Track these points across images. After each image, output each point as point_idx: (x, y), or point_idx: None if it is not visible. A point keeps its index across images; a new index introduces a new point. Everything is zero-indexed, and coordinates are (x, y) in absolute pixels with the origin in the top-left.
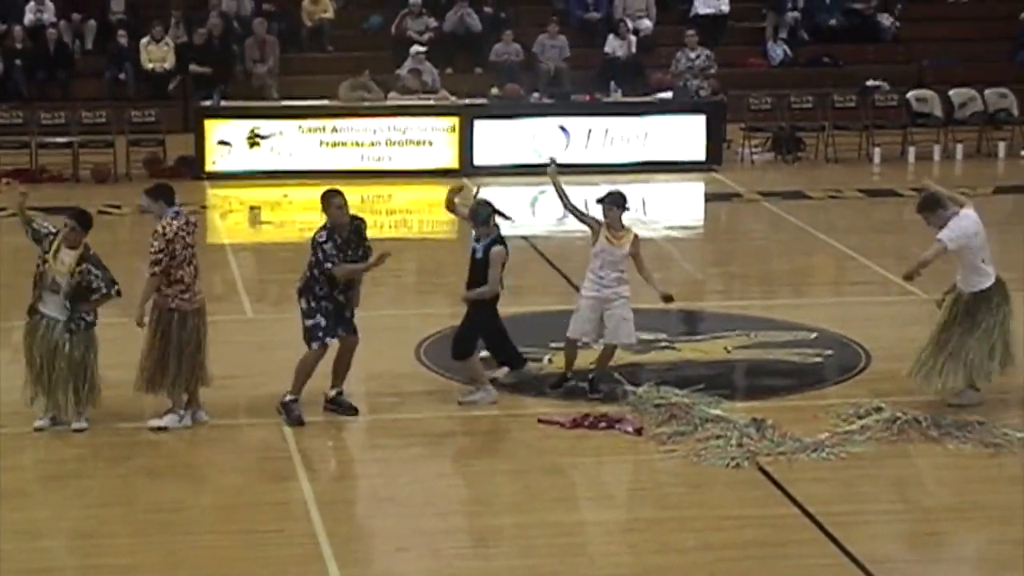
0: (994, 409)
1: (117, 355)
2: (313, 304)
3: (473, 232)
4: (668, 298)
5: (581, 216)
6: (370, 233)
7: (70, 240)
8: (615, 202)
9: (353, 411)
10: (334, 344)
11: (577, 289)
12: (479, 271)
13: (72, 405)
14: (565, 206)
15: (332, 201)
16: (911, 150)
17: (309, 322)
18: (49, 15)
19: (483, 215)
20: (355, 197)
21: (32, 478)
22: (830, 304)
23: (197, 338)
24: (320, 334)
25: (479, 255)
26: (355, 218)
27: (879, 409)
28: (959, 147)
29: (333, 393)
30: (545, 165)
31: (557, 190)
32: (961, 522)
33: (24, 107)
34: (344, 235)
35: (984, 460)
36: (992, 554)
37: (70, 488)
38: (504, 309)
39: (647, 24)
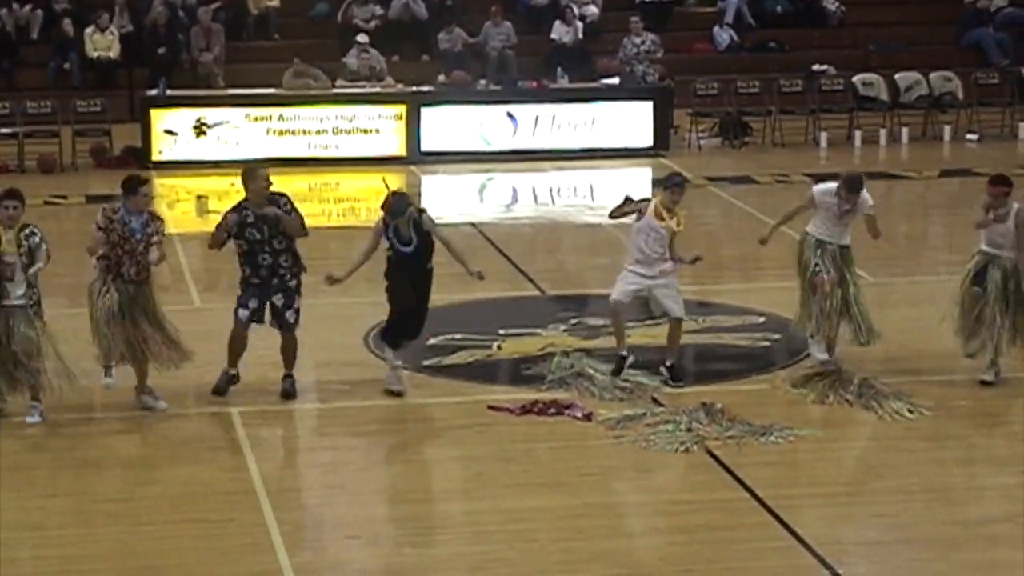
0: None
1: (64, 345)
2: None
3: (393, 233)
4: (697, 258)
5: (626, 210)
6: (318, 222)
7: (11, 221)
8: (681, 184)
9: (287, 396)
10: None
11: (526, 276)
12: (427, 252)
13: (26, 392)
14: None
15: (259, 173)
16: (857, 134)
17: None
18: None
19: (403, 207)
20: (303, 185)
21: None
22: (778, 288)
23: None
24: (236, 302)
25: (413, 245)
26: (275, 194)
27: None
28: (905, 131)
29: (281, 376)
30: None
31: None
32: (909, 504)
33: None
34: (256, 214)
35: (930, 442)
36: (940, 535)
37: (18, 479)
38: (452, 296)
39: (593, 10)
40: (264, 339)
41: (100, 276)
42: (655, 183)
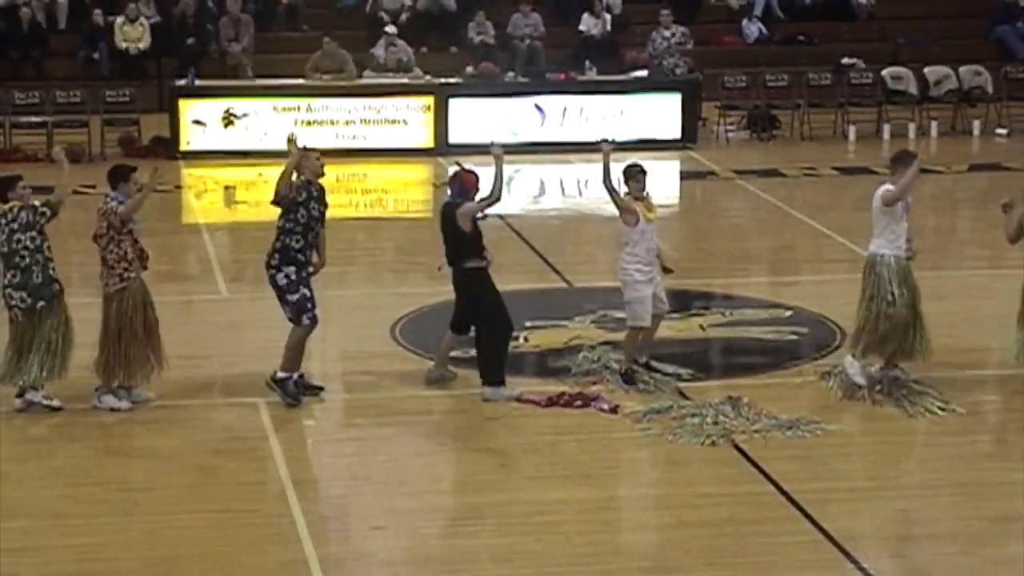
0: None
1: (85, 335)
2: (294, 277)
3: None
4: (668, 271)
5: (616, 196)
6: (347, 212)
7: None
8: (642, 170)
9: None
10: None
11: (553, 268)
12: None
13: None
14: (605, 183)
15: (311, 153)
16: (886, 128)
17: (294, 296)
18: None
19: None
20: (330, 176)
21: (4, 457)
22: (805, 282)
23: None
24: (309, 306)
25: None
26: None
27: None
28: (934, 124)
29: (296, 376)
30: (520, 144)
31: (605, 167)
32: (935, 499)
33: None
34: (317, 190)
35: (957, 437)
36: (965, 530)
37: (42, 467)
38: None
39: (616, 2)
40: (287, 331)
41: (132, 284)
42: (682, 175)
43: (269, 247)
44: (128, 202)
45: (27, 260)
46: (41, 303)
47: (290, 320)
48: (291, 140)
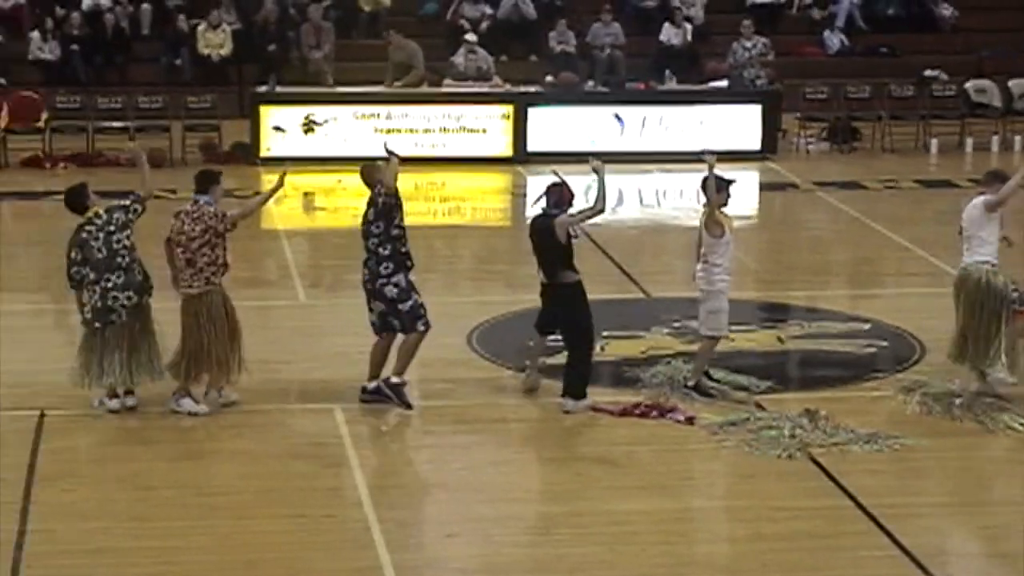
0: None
1: (169, 338)
2: (404, 284)
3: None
4: None
5: (713, 208)
6: (424, 220)
7: None
8: (729, 182)
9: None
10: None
11: (631, 278)
12: None
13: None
14: (708, 193)
15: (380, 164)
16: (969, 141)
17: (406, 305)
18: (106, 0)
19: None
20: (409, 184)
21: (83, 460)
22: (885, 295)
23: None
24: (422, 312)
25: None
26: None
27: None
28: (1018, 138)
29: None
30: (599, 153)
31: (710, 177)
32: (1017, 516)
33: (82, 92)
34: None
35: None
36: None
37: (120, 470)
38: None
39: (697, 13)
40: (364, 337)
41: (216, 288)
42: (762, 187)
43: (372, 262)
44: (244, 207)
45: (127, 259)
46: (147, 298)
47: (401, 332)
48: (390, 153)
